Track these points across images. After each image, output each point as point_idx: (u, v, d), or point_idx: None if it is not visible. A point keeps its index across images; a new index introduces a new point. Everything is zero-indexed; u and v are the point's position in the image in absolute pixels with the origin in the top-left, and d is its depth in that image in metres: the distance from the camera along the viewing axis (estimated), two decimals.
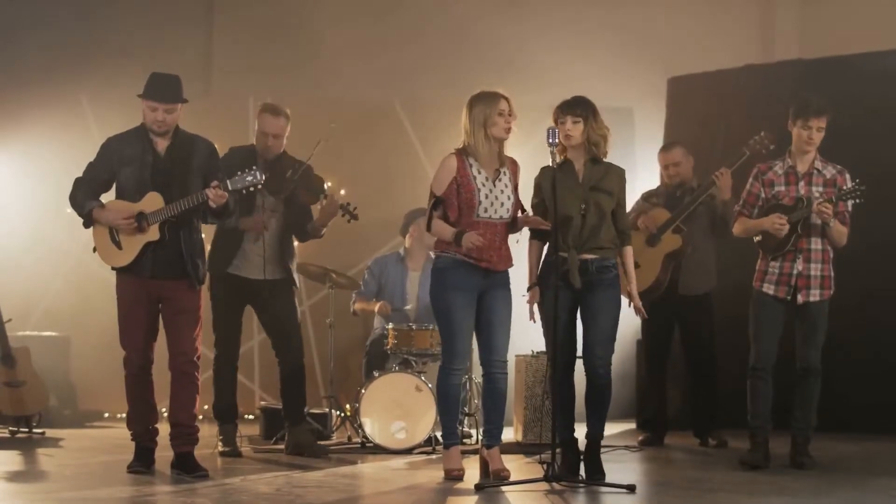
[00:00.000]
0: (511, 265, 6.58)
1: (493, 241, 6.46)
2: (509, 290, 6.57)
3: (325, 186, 7.72)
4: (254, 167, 6.56)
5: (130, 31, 10.37)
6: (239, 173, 6.52)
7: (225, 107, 10.12)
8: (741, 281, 8.34)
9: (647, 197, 8.42)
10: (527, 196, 6.63)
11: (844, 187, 6.96)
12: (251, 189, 6.55)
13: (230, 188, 6.43)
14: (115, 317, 6.59)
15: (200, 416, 6.67)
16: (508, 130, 6.47)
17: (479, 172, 6.46)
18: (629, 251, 6.57)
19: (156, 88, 6.49)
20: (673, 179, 8.42)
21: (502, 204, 6.49)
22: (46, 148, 9.84)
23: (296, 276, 7.79)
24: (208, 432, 7.48)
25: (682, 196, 8.30)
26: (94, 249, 6.63)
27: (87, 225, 6.63)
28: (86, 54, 10.19)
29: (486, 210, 6.45)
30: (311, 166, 7.59)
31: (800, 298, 7.00)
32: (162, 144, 6.55)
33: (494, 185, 6.48)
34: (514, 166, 6.60)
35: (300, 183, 7.54)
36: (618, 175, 6.51)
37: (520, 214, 6.56)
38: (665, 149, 8.61)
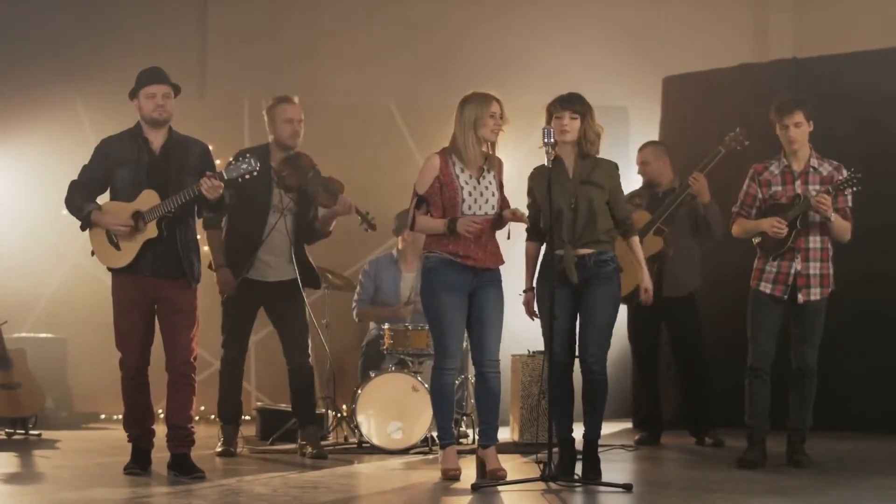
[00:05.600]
0: (501, 263, 6.58)
1: (479, 237, 6.44)
2: (500, 288, 6.55)
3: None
4: (247, 154, 6.52)
5: (125, 34, 10.37)
6: (233, 162, 6.50)
7: (219, 110, 10.12)
8: (726, 278, 8.33)
9: (630, 198, 8.40)
10: (516, 197, 6.62)
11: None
12: (246, 177, 6.48)
13: (225, 177, 6.39)
14: (111, 318, 6.57)
15: (197, 418, 6.65)
16: (497, 132, 6.44)
17: (463, 171, 6.46)
18: (635, 241, 6.53)
19: (149, 74, 6.50)
20: (644, 178, 8.44)
21: (487, 200, 6.47)
22: (41, 150, 9.82)
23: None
24: (205, 433, 7.48)
25: (663, 197, 8.31)
26: (92, 253, 6.60)
27: (84, 227, 6.58)
28: (81, 58, 10.20)
29: (469, 207, 6.44)
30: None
31: (800, 298, 6.96)
32: (157, 144, 6.52)
33: (479, 182, 6.47)
34: (498, 164, 6.58)
35: (320, 184, 7.53)
36: (608, 168, 6.47)
37: (504, 211, 6.54)
38: (641, 149, 8.65)
